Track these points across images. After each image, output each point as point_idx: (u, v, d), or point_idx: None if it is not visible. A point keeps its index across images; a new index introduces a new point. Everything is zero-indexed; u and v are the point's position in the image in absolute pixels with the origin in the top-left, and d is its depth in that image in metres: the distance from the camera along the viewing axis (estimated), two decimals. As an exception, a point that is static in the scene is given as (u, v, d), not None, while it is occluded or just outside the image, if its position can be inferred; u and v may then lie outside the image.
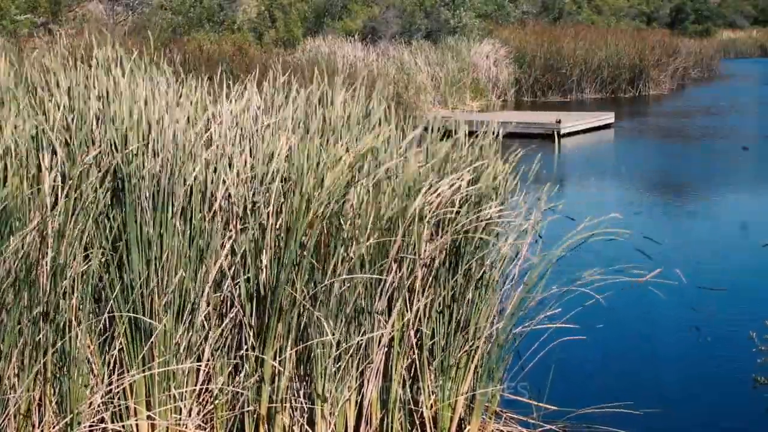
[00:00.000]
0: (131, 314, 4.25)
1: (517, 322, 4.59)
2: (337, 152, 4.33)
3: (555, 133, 16.86)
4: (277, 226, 4.31)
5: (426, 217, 4.43)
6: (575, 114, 20.91)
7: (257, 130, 4.67)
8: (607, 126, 20.23)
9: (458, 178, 4.51)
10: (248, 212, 4.38)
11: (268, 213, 4.30)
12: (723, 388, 5.86)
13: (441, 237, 4.49)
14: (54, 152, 4.27)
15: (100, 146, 4.29)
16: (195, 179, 4.32)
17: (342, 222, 4.34)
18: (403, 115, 5.03)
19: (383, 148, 4.62)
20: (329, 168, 4.26)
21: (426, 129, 4.89)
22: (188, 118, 4.52)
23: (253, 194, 4.39)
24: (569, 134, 18.54)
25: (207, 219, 4.36)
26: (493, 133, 4.89)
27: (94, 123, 4.37)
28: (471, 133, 4.87)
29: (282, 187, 4.36)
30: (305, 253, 4.25)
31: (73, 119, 4.37)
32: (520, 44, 27.19)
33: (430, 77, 22.76)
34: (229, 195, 4.43)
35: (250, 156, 4.53)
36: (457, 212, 4.51)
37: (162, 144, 4.30)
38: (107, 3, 20.82)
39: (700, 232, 10.56)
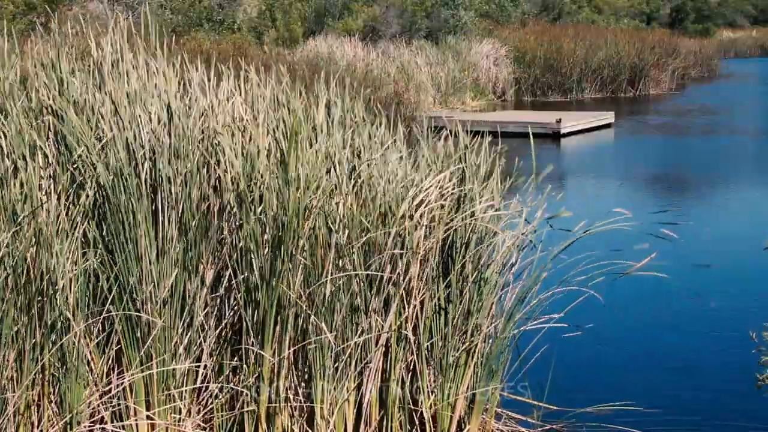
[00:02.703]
0: (129, 313, 4.24)
1: (517, 321, 4.58)
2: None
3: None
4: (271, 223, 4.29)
5: (414, 216, 4.41)
6: (575, 114, 20.91)
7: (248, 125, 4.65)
8: (607, 126, 20.23)
9: (447, 178, 4.50)
10: (244, 210, 4.36)
11: (262, 209, 4.29)
12: (724, 387, 5.85)
13: (432, 236, 4.47)
14: (50, 150, 4.26)
15: (95, 142, 4.28)
16: (191, 174, 4.30)
17: (331, 218, 4.32)
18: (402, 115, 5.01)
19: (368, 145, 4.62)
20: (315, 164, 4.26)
21: (422, 129, 4.88)
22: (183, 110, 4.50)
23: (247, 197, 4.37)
24: (569, 134, 18.54)
25: (203, 216, 4.34)
26: (492, 133, 4.88)
27: (91, 119, 4.36)
28: (470, 133, 4.86)
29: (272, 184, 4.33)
30: (297, 251, 4.23)
31: (69, 113, 4.36)
32: (520, 44, 27.22)
33: (430, 77, 22.77)
34: (224, 192, 4.41)
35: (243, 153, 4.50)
36: (449, 212, 4.49)
37: (156, 138, 4.29)
38: (107, 3, 20.80)
39: (701, 231, 10.55)
